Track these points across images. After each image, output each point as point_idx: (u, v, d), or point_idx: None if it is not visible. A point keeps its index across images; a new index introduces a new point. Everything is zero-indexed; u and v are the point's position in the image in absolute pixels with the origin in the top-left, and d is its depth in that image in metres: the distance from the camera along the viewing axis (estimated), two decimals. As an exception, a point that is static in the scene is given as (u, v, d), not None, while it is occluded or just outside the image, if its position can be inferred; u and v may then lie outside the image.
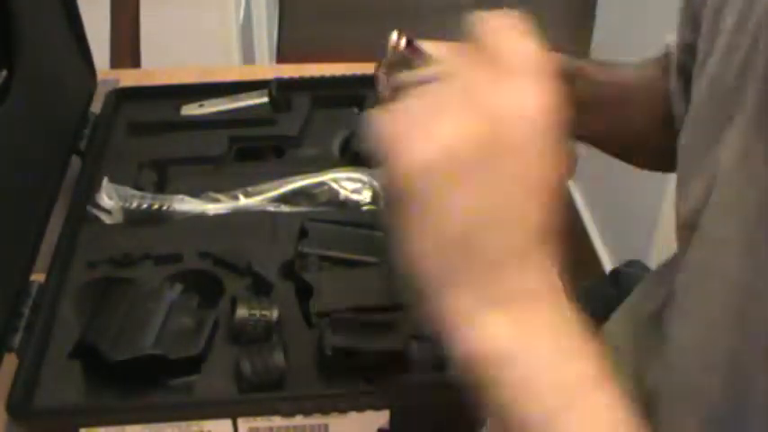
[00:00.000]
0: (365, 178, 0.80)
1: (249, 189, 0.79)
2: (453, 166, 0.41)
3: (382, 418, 0.60)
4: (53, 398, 0.60)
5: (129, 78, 1.03)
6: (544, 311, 0.44)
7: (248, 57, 1.99)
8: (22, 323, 0.63)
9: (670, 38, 0.81)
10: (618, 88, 0.80)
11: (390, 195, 0.42)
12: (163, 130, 0.88)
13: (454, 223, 0.41)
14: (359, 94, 0.91)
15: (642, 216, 1.64)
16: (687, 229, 0.68)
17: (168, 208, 0.76)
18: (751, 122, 0.60)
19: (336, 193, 0.79)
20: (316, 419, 0.59)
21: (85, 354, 0.62)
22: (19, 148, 0.70)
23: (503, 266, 0.43)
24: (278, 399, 0.59)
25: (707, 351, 0.67)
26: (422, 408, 0.60)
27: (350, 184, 0.79)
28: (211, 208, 0.77)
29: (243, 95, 0.91)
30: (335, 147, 0.86)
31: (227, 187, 0.79)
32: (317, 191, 0.79)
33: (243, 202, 0.78)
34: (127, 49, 1.26)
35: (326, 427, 0.60)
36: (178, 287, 0.67)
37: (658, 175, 1.13)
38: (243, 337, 0.62)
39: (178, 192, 0.78)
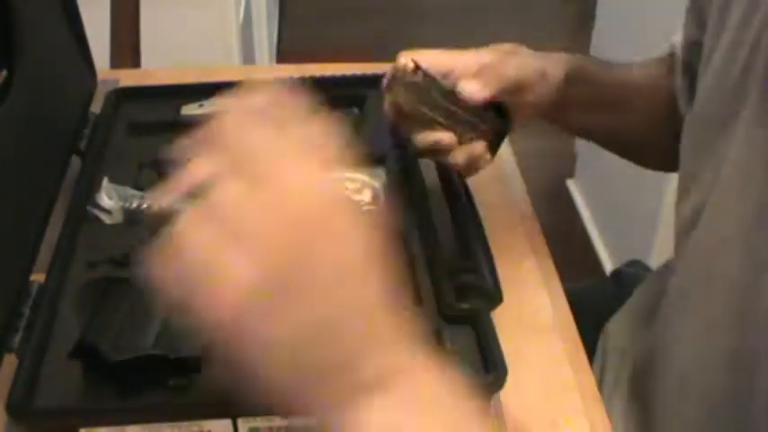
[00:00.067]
0: (365, 178, 0.80)
1: (249, 189, 0.79)
2: (266, 296, 0.38)
3: (382, 418, 0.60)
4: (53, 398, 0.60)
5: (129, 78, 1.03)
6: (413, 385, 0.42)
7: (248, 57, 1.99)
8: (22, 323, 0.63)
9: (675, 38, 0.81)
10: (622, 88, 0.80)
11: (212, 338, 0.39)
12: (163, 130, 0.88)
13: (292, 340, 0.39)
14: (359, 94, 0.91)
15: (642, 216, 1.64)
16: (687, 228, 0.68)
17: (168, 208, 0.76)
18: (754, 118, 0.60)
19: (336, 193, 0.79)
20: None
21: (85, 354, 0.62)
22: (19, 148, 0.70)
23: (357, 358, 0.40)
24: (278, 399, 0.59)
25: (708, 351, 0.67)
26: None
27: (350, 184, 0.79)
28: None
29: (243, 95, 0.91)
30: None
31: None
32: (317, 191, 0.79)
33: (243, 202, 0.78)
34: (127, 49, 1.26)
35: (326, 427, 0.60)
36: (178, 287, 0.67)
37: (658, 174, 1.13)
38: (243, 337, 0.62)
39: (178, 192, 0.78)
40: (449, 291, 0.66)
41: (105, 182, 0.77)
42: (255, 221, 0.39)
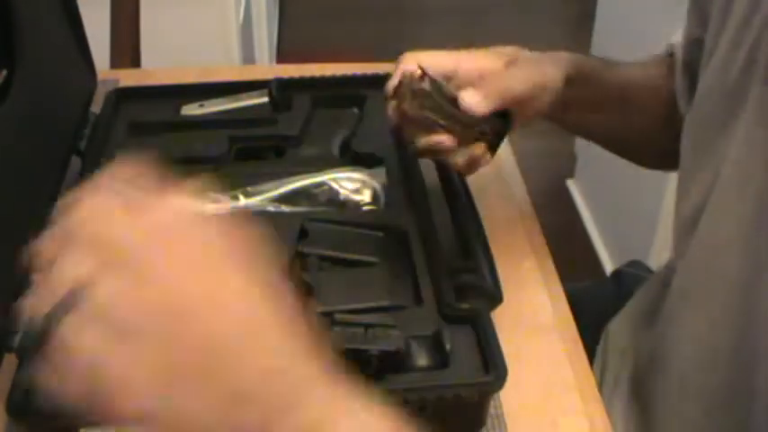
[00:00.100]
0: (365, 178, 0.80)
1: (249, 189, 0.79)
2: (167, 389, 0.38)
3: (382, 418, 0.60)
4: (53, 398, 0.60)
5: (129, 78, 1.03)
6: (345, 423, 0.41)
7: (248, 57, 1.99)
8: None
9: (674, 38, 0.81)
10: (622, 87, 0.80)
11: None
12: (163, 130, 0.88)
13: (207, 416, 0.39)
14: (359, 94, 0.91)
15: (642, 216, 1.64)
16: (687, 228, 0.68)
17: (168, 208, 0.76)
18: (754, 118, 0.60)
19: (336, 193, 0.79)
20: (316, 419, 0.59)
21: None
22: (19, 148, 0.70)
23: (276, 420, 0.40)
24: (278, 399, 0.59)
25: (708, 350, 0.67)
26: (422, 408, 0.59)
27: (350, 184, 0.79)
28: (211, 208, 0.77)
29: (243, 95, 0.91)
30: (335, 147, 0.86)
31: (227, 187, 0.79)
32: (317, 191, 0.79)
33: (243, 202, 0.78)
34: (127, 49, 1.26)
35: (326, 427, 0.60)
36: (178, 287, 0.67)
37: (658, 174, 1.13)
38: (243, 337, 0.62)
39: (178, 192, 0.78)
40: (449, 291, 0.66)
41: (105, 182, 0.77)
42: (139, 317, 0.38)
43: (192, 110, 0.90)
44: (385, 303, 0.67)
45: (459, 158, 0.71)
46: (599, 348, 0.88)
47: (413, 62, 0.68)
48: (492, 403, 0.65)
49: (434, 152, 0.72)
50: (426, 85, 0.66)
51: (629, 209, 1.78)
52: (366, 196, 0.79)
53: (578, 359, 0.71)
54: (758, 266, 0.61)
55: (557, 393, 0.68)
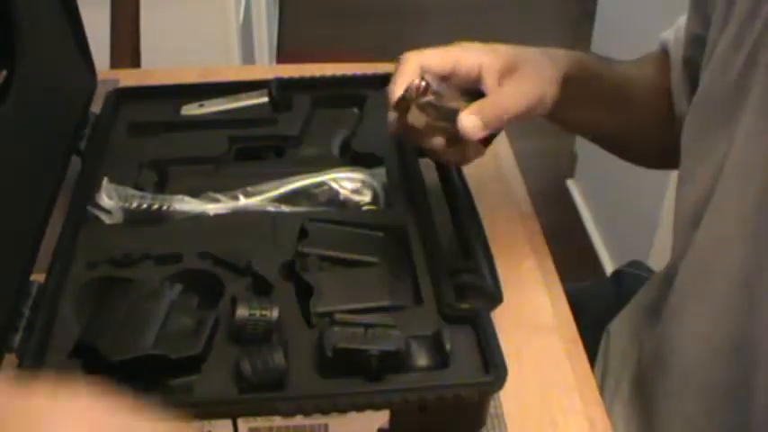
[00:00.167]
0: (365, 178, 0.80)
1: (249, 189, 0.79)
2: None
3: (382, 418, 0.60)
4: (53, 398, 0.60)
5: (129, 78, 1.03)
6: None
7: (248, 57, 1.99)
8: (22, 323, 0.63)
9: (665, 35, 0.81)
10: (619, 84, 0.80)
11: None
12: (163, 130, 0.88)
13: None
14: (359, 94, 0.91)
15: (642, 216, 1.64)
16: (689, 225, 0.68)
17: (168, 208, 0.76)
18: (760, 110, 0.60)
19: (336, 193, 0.79)
20: (316, 419, 0.59)
21: (85, 354, 0.62)
22: (19, 148, 0.70)
23: None
24: (278, 399, 0.59)
25: (709, 347, 0.67)
26: (422, 408, 0.59)
27: (350, 184, 0.79)
28: (211, 208, 0.77)
29: (243, 95, 0.91)
30: (335, 147, 0.86)
31: (227, 187, 0.79)
32: (317, 191, 0.79)
33: (243, 202, 0.78)
34: (127, 49, 1.26)
35: (326, 426, 0.60)
36: (178, 287, 0.67)
37: (658, 174, 1.13)
38: (243, 337, 0.62)
39: (178, 192, 0.78)
40: (449, 291, 0.66)
41: (105, 182, 0.77)
42: None
43: (191, 110, 0.90)
44: (385, 303, 0.67)
45: (453, 156, 0.72)
46: (600, 350, 0.88)
47: (414, 64, 0.68)
48: (492, 403, 0.65)
49: (435, 153, 0.72)
50: (431, 98, 0.66)
51: (629, 209, 1.78)
52: (366, 196, 0.79)
53: (578, 359, 0.71)
54: (760, 262, 0.61)
55: (557, 393, 0.68)
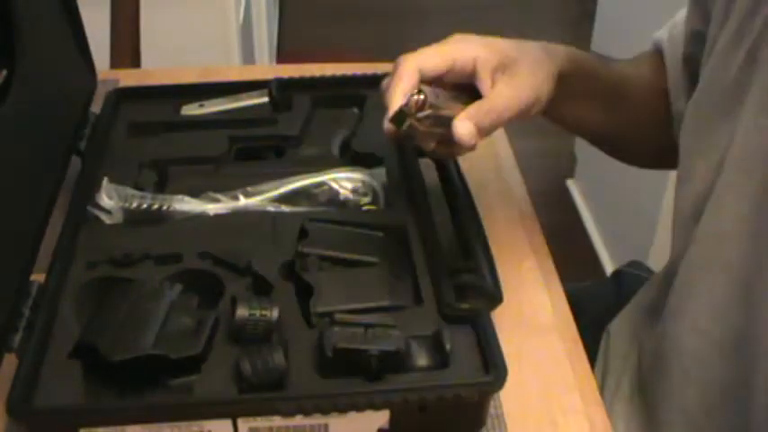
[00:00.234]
0: (365, 178, 0.80)
1: (249, 189, 0.79)
2: None
3: (382, 418, 0.60)
4: (53, 398, 0.60)
5: (129, 78, 1.03)
6: None
7: (248, 57, 1.99)
8: (22, 323, 0.63)
9: (658, 34, 0.81)
10: (616, 82, 0.80)
11: None
12: (163, 130, 0.88)
13: None
14: (359, 94, 0.91)
15: (642, 216, 1.64)
16: (689, 221, 0.68)
17: (168, 208, 0.76)
18: (761, 106, 0.60)
19: (336, 193, 0.79)
20: (316, 419, 0.59)
21: (85, 354, 0.62)
22: (19, 148, 0.70)
23: None
24: (278, 399, 0.59)
25: (709, 344, 0.67)
26: (422, 408, 0.59)
27: (350, 184, 0.79)
28: (211, 208, 0.77)
29: (243, 95, 0.91)
30: (335, 147, 0.86)
31: (227, 187, 0.79)
32: (317, 191, 0.79)
33: (243, 202, 0.78)
34: (127, 49, 1.26)
35: (326, 427, 0.60)
36: (178, 287, 0.67)
37: (659, 174, 1.13)
38: (243, 337, 0.62)
39: (178, 192, 0.78)
40: (449, 291, 0.66)
41: (105, 182, 0.77)
42: None
43: (191, 110, 0.90)
44: (385, 303, 0.67)
45: (447, 150, 0.71)
46: (600, 350, 0.88)
47: (411, 67, 0.67)
48: (492, 403, 0.65)
49: (429, 153, 0.73)
50: (429, 112, 0.66)
51: (629, 209, 1.78)
52: (366, 196, 0.79)
53: (578, 359, 0.71)
54: (759, 258, 0.61)
55: (557, 393, 0.68)
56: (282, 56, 2.61)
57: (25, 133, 0.72)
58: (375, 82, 0.88)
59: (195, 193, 0.78)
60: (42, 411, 0.60)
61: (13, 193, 0.68)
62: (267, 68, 1.99)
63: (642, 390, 0.79)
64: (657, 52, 0.82)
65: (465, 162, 0.79)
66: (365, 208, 0.79)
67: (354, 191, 0.79)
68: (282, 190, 0.79)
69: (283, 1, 2.91)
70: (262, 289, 0.68)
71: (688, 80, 0.77)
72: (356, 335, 0.60)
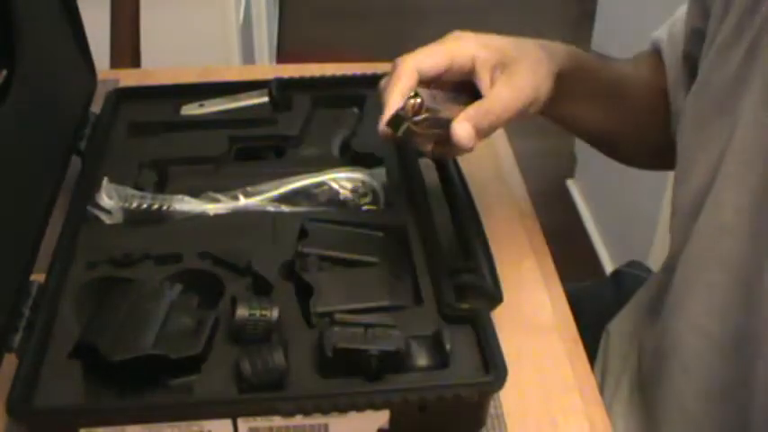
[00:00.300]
0: (365, 178, 0.80)
1: (249, 189, 0.79)
2: None
3: (382, 418, 0.60)
4: (53, 398, 0.60)
5: (129, 78, 1.03)
6: None
7: (248, 57, 1.99)
8: (22, 323, 0.63)
9: (657, 33, 0.81)
10: (615, 82, 0.80)
11: None
12: (163, 130, 0.88)
13: None
14: (359, 94, 0.91)
15: (642, 216, 1.64)
16: (689, 218, 0.68)
17: (168, 208, 0.76)
18: (761, 101, 0.61)
19: (336, 193, 0.79)
20: (316, 419, 0.59)
21: (85, 354, 0.62)
22: (19, 148, 0.70)
23: None
24: (278, 399, 0.59)
25: (709, 341, 0.67)
26: (422, 408, 0.59)
27: (350, 184, 0.79)
28: (211, 208, 0.77)
29: (243, 95, 0.91)
30: (335, 147, 0.86)
31: (227, 187, 0.79)
32: (317, 191, 0.79)
33: (243, 202, 0.78)
34: (127, 49, 1.26)
35: (326, 427, 0.60)
36: (178, 287, 0.67)
37: (659, 175, 1.13)
38: (243, 337, 0.62)
39: (178, 192, 0.78)
40: (449, 291, 0.66)
41: (105, 182, 0.77)
42: None
43: (191, 110, 0.90)
44: (385, 303, 0.67)
45: (444, 150, 0.71)
46: (599, 350, 0.88)
47: (409, 68, 0.67)
48: (492, 403, 0.65)
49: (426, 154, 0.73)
50: (426, 115, 0.66)
51: (629, 209, 1.78)
52: (366, 196, 0.79)
53: (578, 359, 0.71)
54: (759, 253, 0.61)
55: (557, 393, 0.68)
56: (282, 56, 2.61)
57: (25, 133, 0.72)
58: (375, 82, 0.88)
59: (195, 193, 0.78)
60: (42, 411, 0.60)
61: (13, 193, 0.68)
62: (267, 68, 1.99)
63: (642, 388, 0.79)
64: (656, 52, 0.82)
65: (465, 162, 0.79)
66: (365, 208, 0.79)
67: (354, 191, 0.79)
68: (282, 190, 0.79)
69: (283, 1, 2.91)
70: (262, 289, 0.68)
71: (688, 78, 0.77)
72: (356, 335, 0.60)
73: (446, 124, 0.66)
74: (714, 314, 0.66)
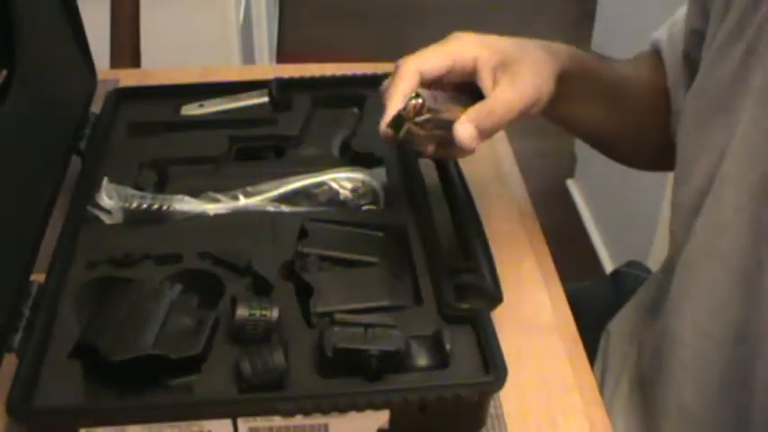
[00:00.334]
0: (365, 178, 0.80)
1: (249, 189, 0.79)
2: None
3: (382, 418, 0.60)
4: (53, 398, 0.60)
5: (129, 78, 1.03)
6: None
7: (248, 57, 1.99)
8: (22, 323, 0.63)
9: (656, 34, 0.82)
10: (615, 82, 0.80)
11: None
12: (163, 130, 0.88)
13: None
14: (359, 94, 0.91)
15: (642, 216, 1.64)
16: (689, 216, 0.68)
17: (168, 208, 0.76)
18: (761, 99, 0.61)
19: (336, 193, 0.79)
20: (316, 419, 0.59)
21: (85, 354, 0.62)
22: (19, 148, 0.70)
23: None
24: (278, 399, 0.59)
25: (709, 339, 0.67)
26: (422, 408, 0.59)
27: (350, 184, 0.79)
28: (211, 208, 0.77)
29: (243, 95, 0.91)
30: (335, 147, 0.86)
31: (227, 187, 0.79)
32: (317, 191, 0.79)
33: (243, 202, 0.78)
34: (127, 49, 1.26)
35: (326, 427, 0.60)
36: (178, 287, 0.67)
37: (659, 175, 1.13)
38: (243, 337, 0.62)
39: (178, 192, 0.78)
40: (449, 291, 0.66)
41: (105, 182, 0.77)
42: None
43: (191, 110, 0.90)
44: (385, 303, 0.67)
45: (446, 154, 0.71)
46: (599, 350, 0.88)
47: (411, 69, 0.67)
48: (492, 403, 0.65)
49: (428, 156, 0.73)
50: (427, 116, 0.66)
51: (629, 209, 1.78)
52: (366, 196, 0.79)
53: (578, 359, 0.71)
54: (759, 250, 0.61)
55: (557, 393, 0.68)
56: (282, 56, 2.61)
57: (25, 133, 0.72)
58: (375, 82, 0.88)
59: (195, 193, 0.78)
60: (42, 411, 0.60)
61: (13, 193, 0.68)
62: (267, 68, 1.99)
63: (641, 387, 0.79)
64: (656, 52, 0.82)
65: (465, 162, 0.79)
66: (365, 208, 0.79)
67: (354, 191, 0.79)
68: (282, 190, 0.79)
69: (283, 1, 2.91)
70: (262, 289, 0.68)
71: (688, 78, 0.77)
72: (356, 335, 0.60)
73: (448, 125, 0.66)
74: (714, 313, 0.66)
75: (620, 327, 0.87)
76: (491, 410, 0.65)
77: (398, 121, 0.65)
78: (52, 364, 0.62)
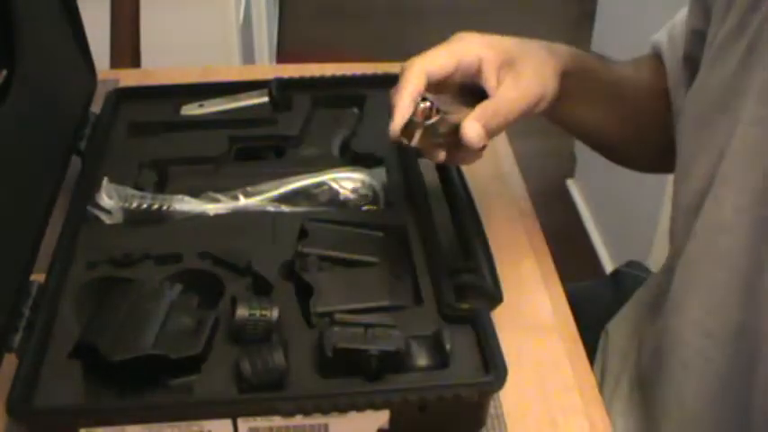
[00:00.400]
0: (365, 178, 0.80)
1: (249, 189, 0.79)
2: None
3: (382, 418, 0.60)
4: (53, 398, 0.60)
5: (129, 78, 1.03)
6: None
7: (248, 57, 1.99)
8: (22, 323, 0.63)
9: (656, 36, 0.82)
10: (616, 83, 0.80)
11: None
12: (163, 130, 0.88)
13: None
14: (359, 94, 0.91)
15: (642, 216, 1.64)
16: (689, 215, 0.68)
17: (168, 208, 0.76)
18: (759, 97, 0.61)
19: (336, 193, 0.79)
20: (316, 419, 0.59)
21: (85, 354, 0.62)
22: (19, 148, 0.70)
23: None
24: (278, 399, 0.59)
25: (709, 337, 0.67)
26: (422, 408, 0.59)
27: (350, 184, 0.79)
28: (211, 208, 0.77)
29: (243, 95, 0.91)
30: (335, 147, 0.86)
31: (227, 187, 0.79)
32: (317, 191, 0.79)
33: (243, 202, 0.78)
34: (127, 49, 1.26)
35: (326, 427, 0.60)
36: (178, 287, 0.67)
37: (658, 175, 1.13)
38: (243, 337, 0.62)
39: (178, 192, 0.78)
40: (449, 291, 0.66)
41: (105, 182, 0.77)
42: None
43: (191, 110, 0.90)
44: (385, 303, 0.67)
45: (453, 159, 0.71)
46: (599, 350, 0.88)
47: (418, 70, 0.67)
48: (492, 403, 0.65)
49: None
50: (436, 119, 0.66)
51: (629, 209, 1.78)
52: (366, 196, 0.79)
53: (578, 359, 0.71)
54: (759, 250, 0.61)
55: (557, 393, 0.68)
56: (282, 56, 2.61)
57: (25, 133, 0.72)
58: (375, 82, 0.89)
59: (195, 193, 0.78)
60: (42, 411, 0.60)
61: (13, 193, 0.68)
62: (267, 68, 1.99)
63: (641, 387, 0.79)
64: (656, 54, 0.82)
65: (465, 162, 0.79)
66: (365, 208, 0.79)
67: (354, 191, 0.79)
68: (282, 190, 0.79)
69: (283, 1, 2.91)
70: (262, 289, 0.68)
71: (689, 78, 0.77)
72: (356, 335, 0.60)
73: (455, 127, 0.66)
74: (714, 313, 0.66)
75: (619, 327, 0.87)
76: (491, 410, 0.65)
77: (410, 126, 0.66)
78: (52, 364, 0.62)
